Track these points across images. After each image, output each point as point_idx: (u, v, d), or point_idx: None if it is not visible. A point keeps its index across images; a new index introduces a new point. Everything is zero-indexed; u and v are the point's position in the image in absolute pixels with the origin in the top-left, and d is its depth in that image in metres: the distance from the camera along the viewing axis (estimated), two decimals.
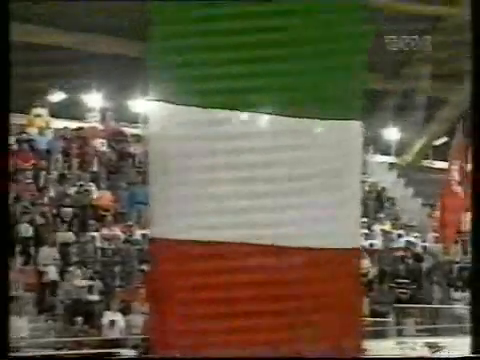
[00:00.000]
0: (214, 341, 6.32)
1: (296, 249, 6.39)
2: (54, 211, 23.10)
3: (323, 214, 6.40)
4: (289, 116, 6.39)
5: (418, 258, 25.79)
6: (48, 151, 25.57)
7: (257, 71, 6.36)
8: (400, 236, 26.89)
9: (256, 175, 6.35)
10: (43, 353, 19.26)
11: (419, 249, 26.48)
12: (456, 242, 25.90)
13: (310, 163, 6.47)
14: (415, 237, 27.07)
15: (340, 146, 6.51)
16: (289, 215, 6.38)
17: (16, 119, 24.99)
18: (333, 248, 6.45)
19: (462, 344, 20.04)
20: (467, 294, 24.03)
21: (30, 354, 19.01)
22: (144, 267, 20.75)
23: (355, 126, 6.52)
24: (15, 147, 24.70)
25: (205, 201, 6.27)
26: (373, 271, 23.61)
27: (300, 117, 6.42)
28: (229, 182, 6.31)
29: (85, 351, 19.33)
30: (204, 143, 6.34)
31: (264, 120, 6.40)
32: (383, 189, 30.73)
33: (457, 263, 26.17)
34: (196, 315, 6.32)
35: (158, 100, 6.31)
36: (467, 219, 24.36)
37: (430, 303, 24.35)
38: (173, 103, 6.29)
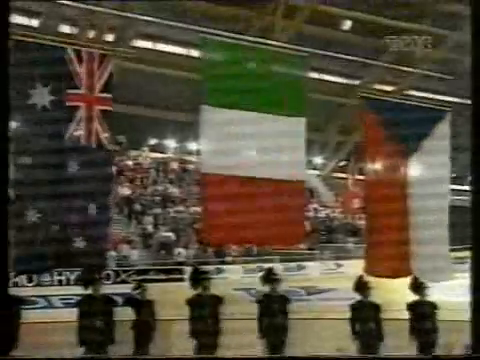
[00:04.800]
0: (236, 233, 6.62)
1: (266, 180, 6.61)
2: (150, 198, 24.76)
3: (281, 157, 6.69)
4: (264, 113, 6.81)
5: (331, 221, 27.03)
6: (148, 168, 27.30)
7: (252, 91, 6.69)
8: (322, 210, 28.03)
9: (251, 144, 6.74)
10: (144, 267, 19.79)
11: (332, 217, 27.56)
12: (350, 214, 26.67)
13: (273, 134, 6.74)
14: (330, 211, 28.26)
15: (291, 128, 6.84)
16: (265, 158, 6.70)
17: (133, 153, 27.76)
18: (287, 180, 6.71)
19: (352, 265, 19.57)
20: (354, 238, 24.57)
21: (138, 268, 19.62)
22: (196, 226, 20.99)
23: (301, 120, 6.98)
24: (132, 166, 26.78)
25: (230, 150, 6.51)
26: (308, 227, 22.10)
27: (268, 113, 6.86)
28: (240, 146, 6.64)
29: (166, 267, 20.37)
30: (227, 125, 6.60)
31: (254, 115, 6.80)
32: (314, 188, 30.12)
33: (350, 224, 26.77)
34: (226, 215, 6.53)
35: (207, 104, 6.57)
36: (357, 202, 25.38)
37: (336, 243, 25.28)
38: (211, 105, 6.63)
